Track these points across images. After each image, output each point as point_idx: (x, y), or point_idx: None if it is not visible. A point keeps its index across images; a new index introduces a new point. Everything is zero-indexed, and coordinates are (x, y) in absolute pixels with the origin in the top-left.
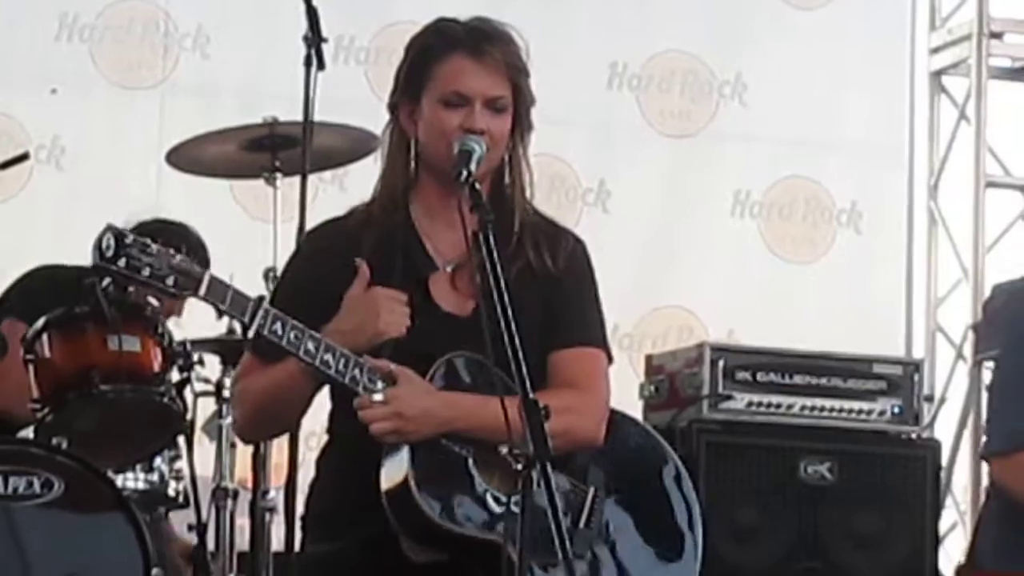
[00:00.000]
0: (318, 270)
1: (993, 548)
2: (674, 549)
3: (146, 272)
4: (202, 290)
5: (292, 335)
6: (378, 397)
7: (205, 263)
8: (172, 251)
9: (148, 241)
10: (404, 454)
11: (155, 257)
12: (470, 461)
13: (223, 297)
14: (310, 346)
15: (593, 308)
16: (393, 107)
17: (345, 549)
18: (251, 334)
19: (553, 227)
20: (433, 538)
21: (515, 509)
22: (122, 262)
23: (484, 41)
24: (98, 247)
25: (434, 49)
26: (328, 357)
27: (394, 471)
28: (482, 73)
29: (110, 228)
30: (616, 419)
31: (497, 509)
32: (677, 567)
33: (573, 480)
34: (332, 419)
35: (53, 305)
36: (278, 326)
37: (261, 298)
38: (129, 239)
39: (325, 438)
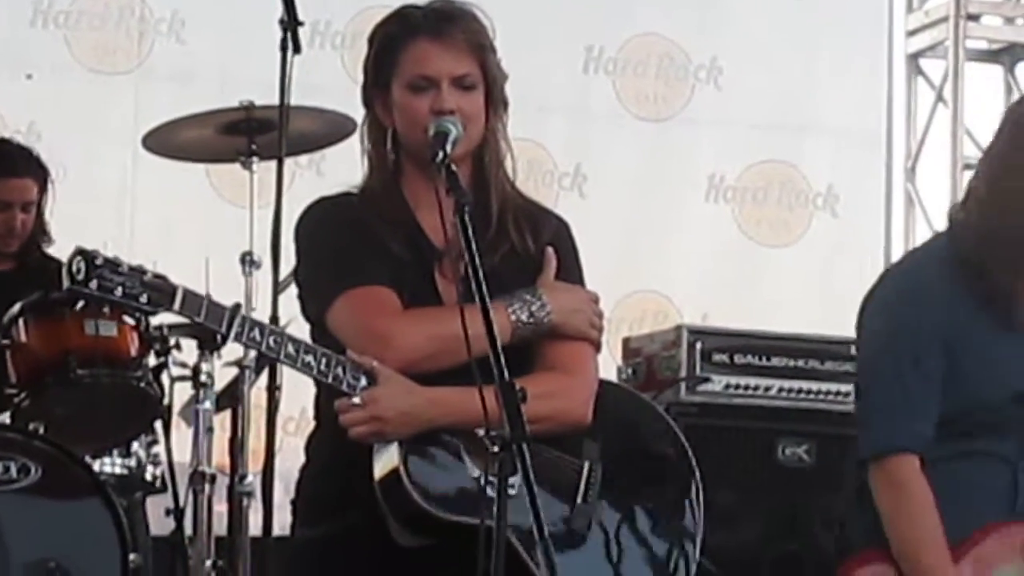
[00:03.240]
0: (358, 233)
1: (863, 530)
2: (674, 515)
3: (119, 292)
4: (176, 304)
5: (271, 340)
6: (356, 400)
7: (39, 168)
8: (143, 268)
9: (119, 260)
10: (395, 444)
11: (126, 276)
12: (462, 448)
13: (198, 309)
14: (290, 349)
15: None
16: (367, 100)
17: (335, 534)
18: (229, 343)
19: (536, 208)
20: (426, 525)
21: (511, 492)
22: (94, 284)
23: (444, 22)
24: (69, 270)
25: (396, 37)
26: (309, 359)
27: (385, 460)
28: (445, 53)
29: (80, 251)
30: (604, 388)
31: (491, 493)
32: (678, 532)
33: (567, 455)
34: (318, 403)
35: None
36: (256, 332)
37: (237, 306)
38: (99, 260)
39: (309, 423)
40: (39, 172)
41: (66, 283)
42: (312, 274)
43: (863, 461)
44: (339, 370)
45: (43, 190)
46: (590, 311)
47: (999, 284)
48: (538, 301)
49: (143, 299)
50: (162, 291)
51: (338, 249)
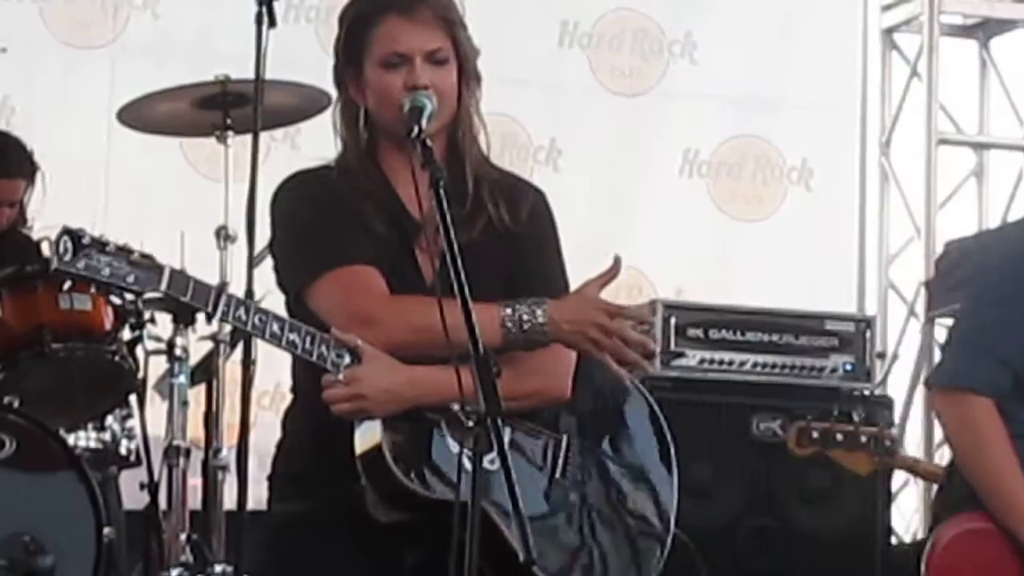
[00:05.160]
0: (339, 208)
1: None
2: (650, 486)
3: (106, 272)
4: (163, 284)
5: (256, 319)
6: (340, 377)
7: (31, 167)
8: (130, 247)
9: (105, 239)
10: (377, 420)
11: (113, 256)
12: (443, 424)
13: (184, 289)
14: (275, 328)
15: (555, 261)
16: (339, 80)
17: (312, 509)
18: (215, 322)
19: (512, 180)
20: (406, 501)
21: (490, 467)
22: (81, 264)
23: None
24: (56, 250)
25: (366, 16)
26: (293, 337)
27: (367, 436)
28: (416, 29)
29: (66, 230)
30: (583, 362)
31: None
32: (654, 503)
33: (545, 430)
34: (296, 377)
35: None
36: (241, 311)
37: (223, 285)
38: (86, 239)
39: (283, 397)
40: (31, 170)
41: (53, 263)
42: (292, 249)
43: (929, 385)
44: (323, 348)
45: (31, 186)
46: (596, 324)
47: None
48: (536, 318)
49: (130, 279)
50: (149, 271)
51: (319, 225)
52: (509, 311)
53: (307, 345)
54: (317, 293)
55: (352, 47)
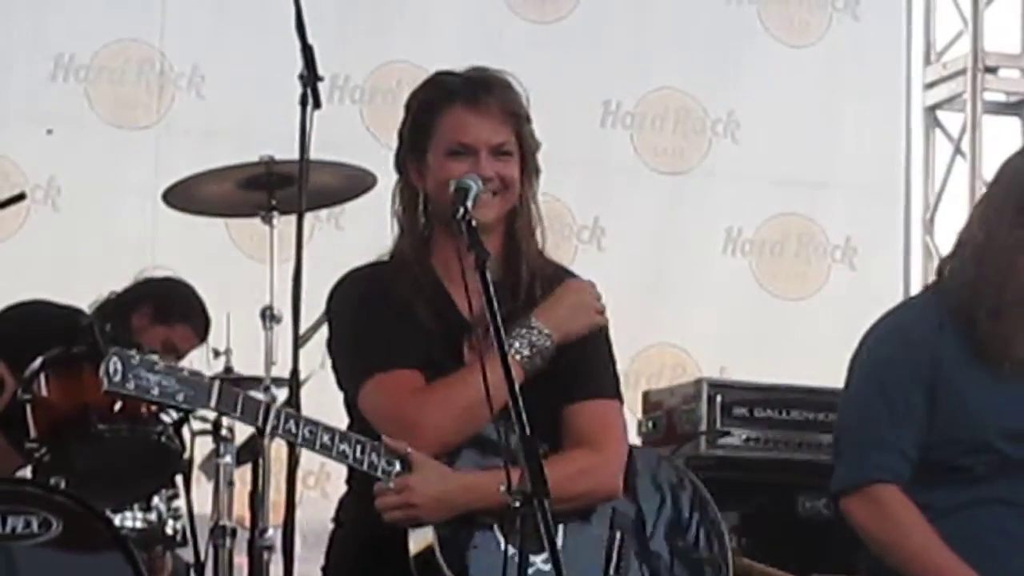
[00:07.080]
0: (388, 307)
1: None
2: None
3: (156, 391)
4: (212, 401)
5: (307, 431)
6: (391, 486)
7: (205, 327)
8: (179, 366)
9: (154, 359)
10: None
11: (163, 374)
12: (495, 525)
13: (234, 405)
14: (325, 439)
15: (604, 358)
16: (400, 165)
17: None
18: (266, 438)
19: (564, 274)
20: None
21: (543, 567)
22: (131, 385)
23: (482, 90)
24: (106, 373)
25: (434, 103)
26: (344, 447)
27: (420, 537)
28: (483, 122)
29: (116, 352)
30: (632, 453)
31: (527, 570)
32: None
33: (599, 527)
34: (351, 469)
35: (31, 347)
36: (292, 424)
37: (271, 400)
38: (135, 360)
39: (329, 477)
40: (206, 333)
41: (104, 385)
42: (343, 353)
43: (835, 497)
44: (373, 456)
45: (198, 345)
46: (587, 301)
47: (989, 331)
48: (534, 330)
49: (180, 397)
50: (198, 388)
51: (367, 328)
52: (515, 345)
53: (357, 455)
54: (364, 398)
55: (417, 133)
